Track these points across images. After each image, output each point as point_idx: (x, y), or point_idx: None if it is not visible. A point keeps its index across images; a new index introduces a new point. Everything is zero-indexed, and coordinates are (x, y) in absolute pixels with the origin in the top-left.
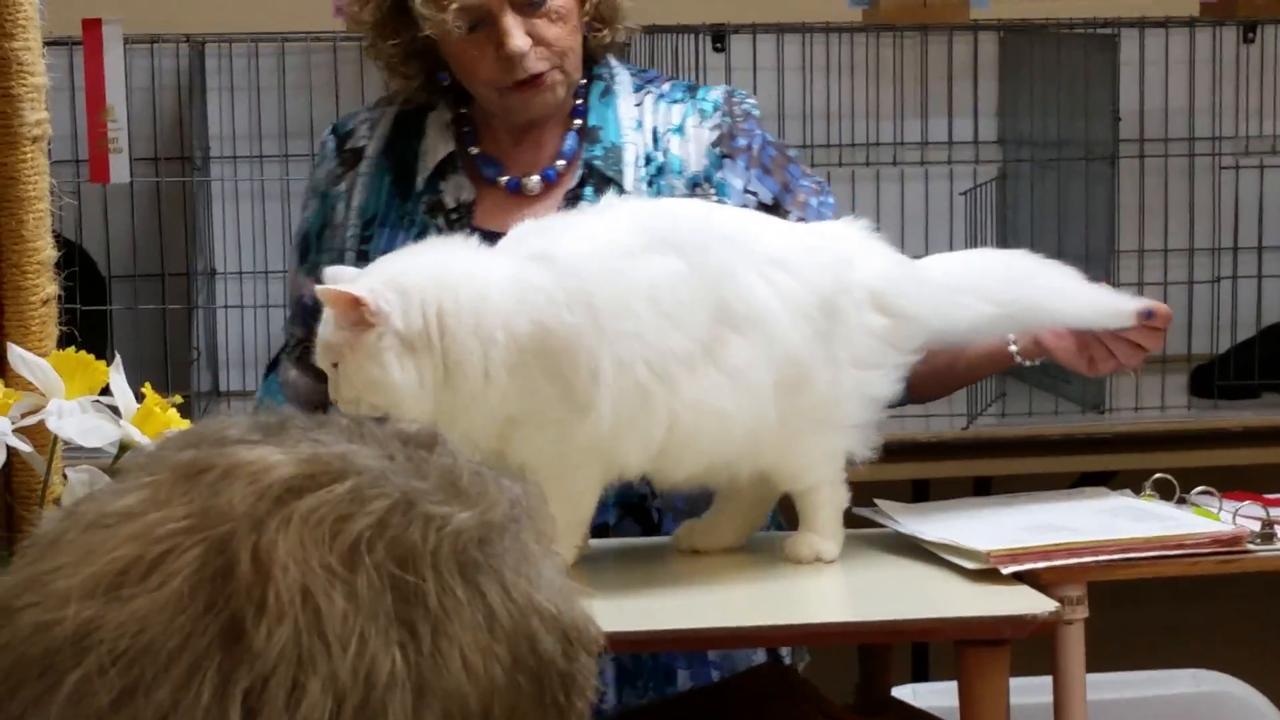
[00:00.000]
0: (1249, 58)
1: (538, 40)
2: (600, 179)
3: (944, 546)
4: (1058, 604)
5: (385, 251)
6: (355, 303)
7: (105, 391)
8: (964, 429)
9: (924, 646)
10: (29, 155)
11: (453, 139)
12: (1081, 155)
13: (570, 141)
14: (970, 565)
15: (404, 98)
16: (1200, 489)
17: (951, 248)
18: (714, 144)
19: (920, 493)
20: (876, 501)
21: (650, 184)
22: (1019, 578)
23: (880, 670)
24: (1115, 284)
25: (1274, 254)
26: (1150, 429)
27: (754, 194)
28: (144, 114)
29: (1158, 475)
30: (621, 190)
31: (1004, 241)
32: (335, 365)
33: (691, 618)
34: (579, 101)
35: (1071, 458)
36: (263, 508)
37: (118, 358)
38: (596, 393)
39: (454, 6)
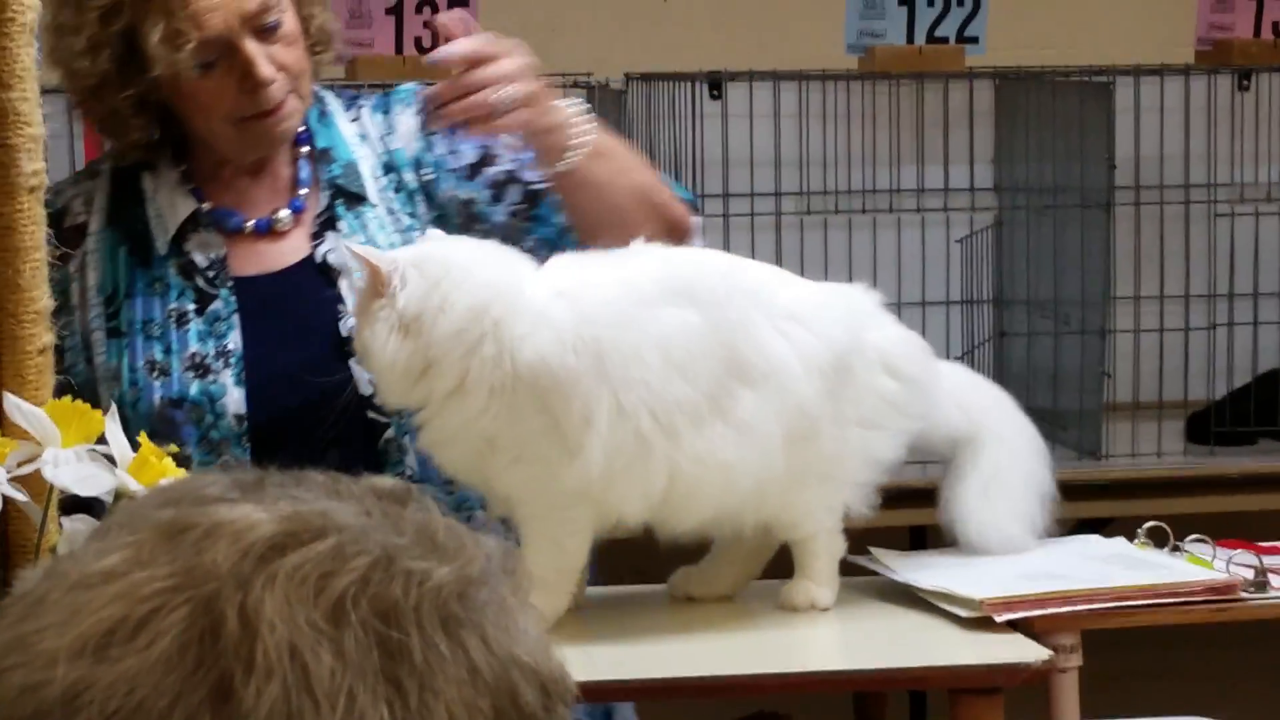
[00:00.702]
0: (1244, 105)
1: (278, 66)
2: (347, 196)
3: (938, 594)
4: (1051, 652)
5: (140, 323)
6: (376, 271)
7: (101, 440)
8: None
9: (922, 694)
10: (26, 205)
11: (190, 197)
12: (1077, 202)
13: (305, 169)
14: (964, 613)
15: (113, 163)
16: (1194, 537)
17: (948, 295)
18: (421, 126)
19: (917, 539)
20: (871, 549)
21: (397, 191)
22: (1013, 625)
23: (875, 718)
24: (1112, 330)
25: (1269, 300)
26: (1147, 475)
27: (457, 155)
28: None
29: (1151, 523)
30: (372, 205)
31: (1000, 289)
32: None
33: (687, 666)
34: (300, 129)
35: (1068, 504)
36: (247, 566)
37: (113, 407)
38: (588, 438)
39: (191, 44)
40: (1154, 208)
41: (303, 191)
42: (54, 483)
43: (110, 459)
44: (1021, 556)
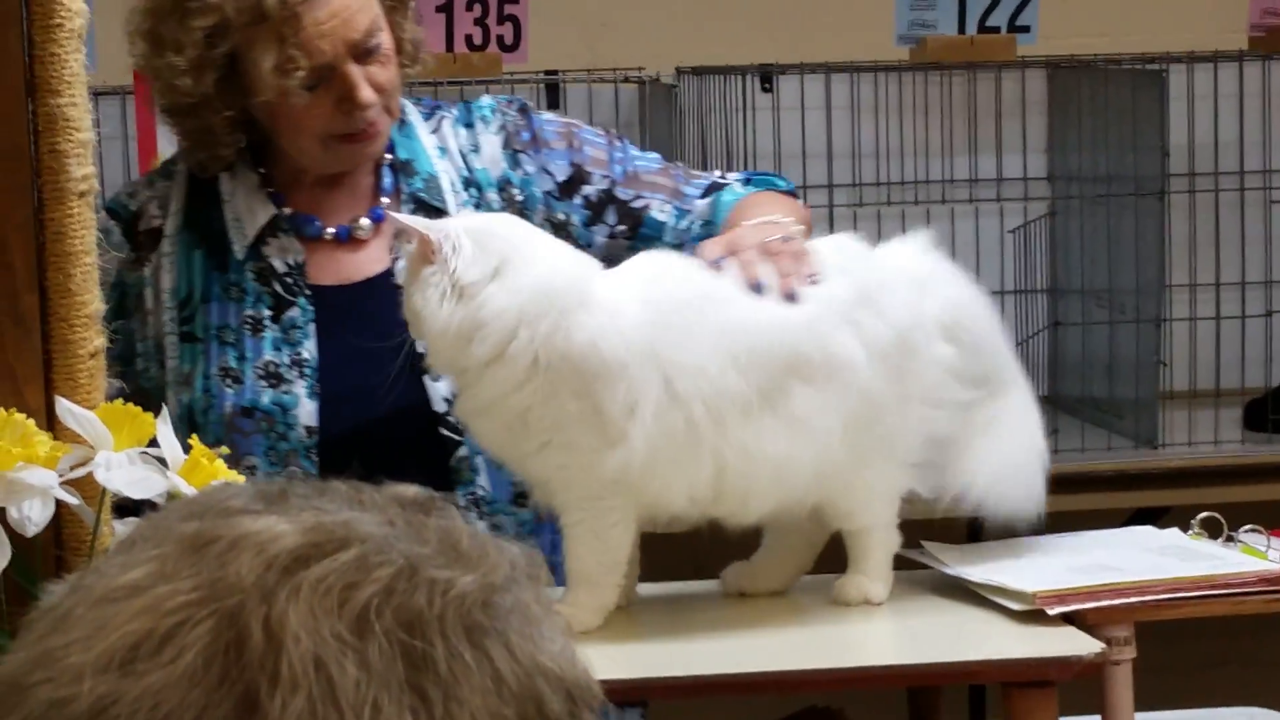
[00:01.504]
0: None
1: (375, 87)
2: (427, 209)
3: (990, 588)
4: (1104, 644)
5: (215, 328)
6: (424, 239)
7: (153, 443)
8: None
9: (980, 687)
10: (76, 210)
11: (270, 202)
12: (1131, 190)
13: (388, 178)
14: (1016, 606)
15: (195, 166)
16: (1248, 527)
17: (1003, 285)
18: (504, 145)
19: (974, 531)
20: (923, 543)
21: (478, 207)
22: (1066, 618)
23: (930, 712)
24: (1167, 319)
25: None
26: (1204, 464)
27: (550, 174)
28: None
29: (1205, 514)
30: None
31: (1055, 278)
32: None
33: (739, 662)
34: None
35: (1125, 493)
36: (271, 578)
37: (164, 409)
38: (632, 425)
39: (302, 72)
40: (1208, 195)
41: (384, 200)
42: (106, 486)
43: (162, 461)
44: (1074, 549)
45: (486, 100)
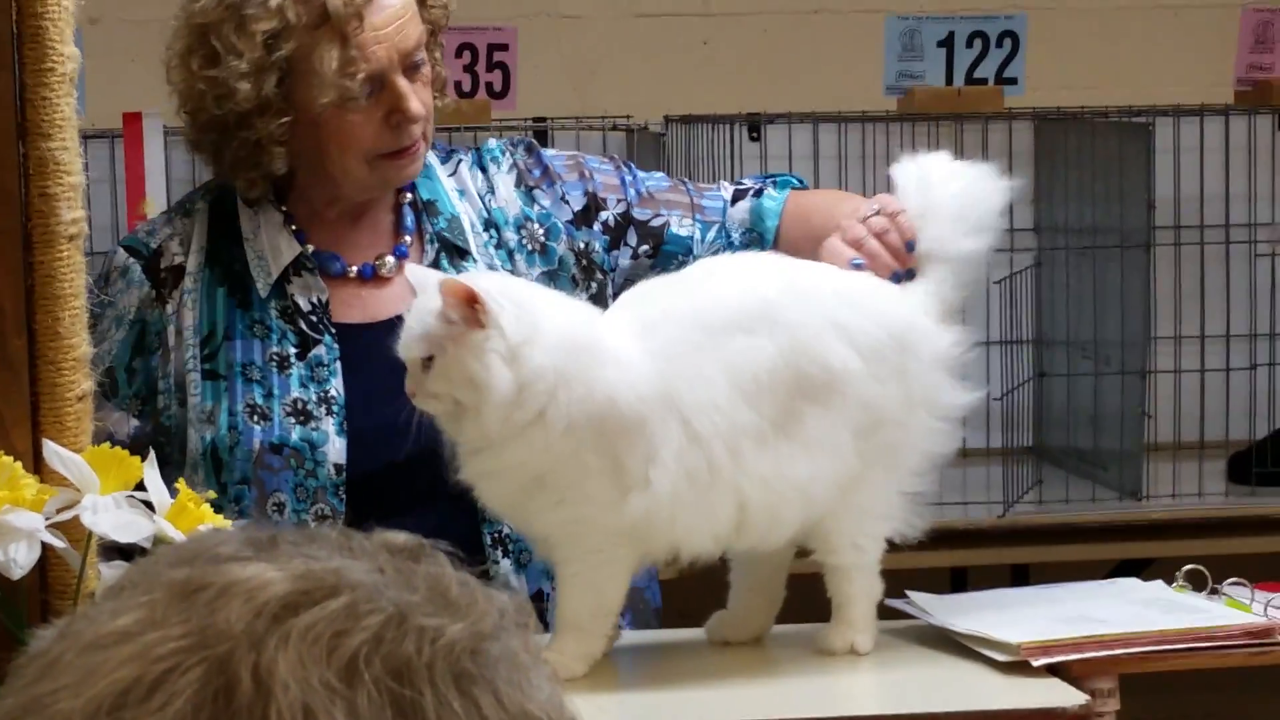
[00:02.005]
0: None
1: (422, 113)
2: (451, 250)
3: (975, 638)
4: (1089, 696)
5: (240, 365)
6: (471, 298)
7: (140, 487)
8: (1000, 516)
9: None
10: (65, 253)
11: (294, 240)
12: (1117, 242)
13: (409, 217)
14: (1001, 657)
15: (212, 199)
16: (1232, 580)
17: (988, 336)
18: (517, 184)
19: (958, 580)
20: (908, 593)
21: (498, 248)
22: (1050, 670)
23: None
24: (1152, 370)
25: None
26: (1188, 516)
27: (568, 204)
28: None
29: (1189, 566)
30: (474, 260)
31: (1040, 329)
32: (425, 359)
33: (722, 712)
34: None
35: (1109, 545)
36: (261, 625)
37: (151, 453)
38: (654, 471)
39: (361, 75)
40: (1194, 248)
41: (406, 239)
42: (93, 529)
43: (149, 505)
44: (1059, 600)
45: (494, 142)
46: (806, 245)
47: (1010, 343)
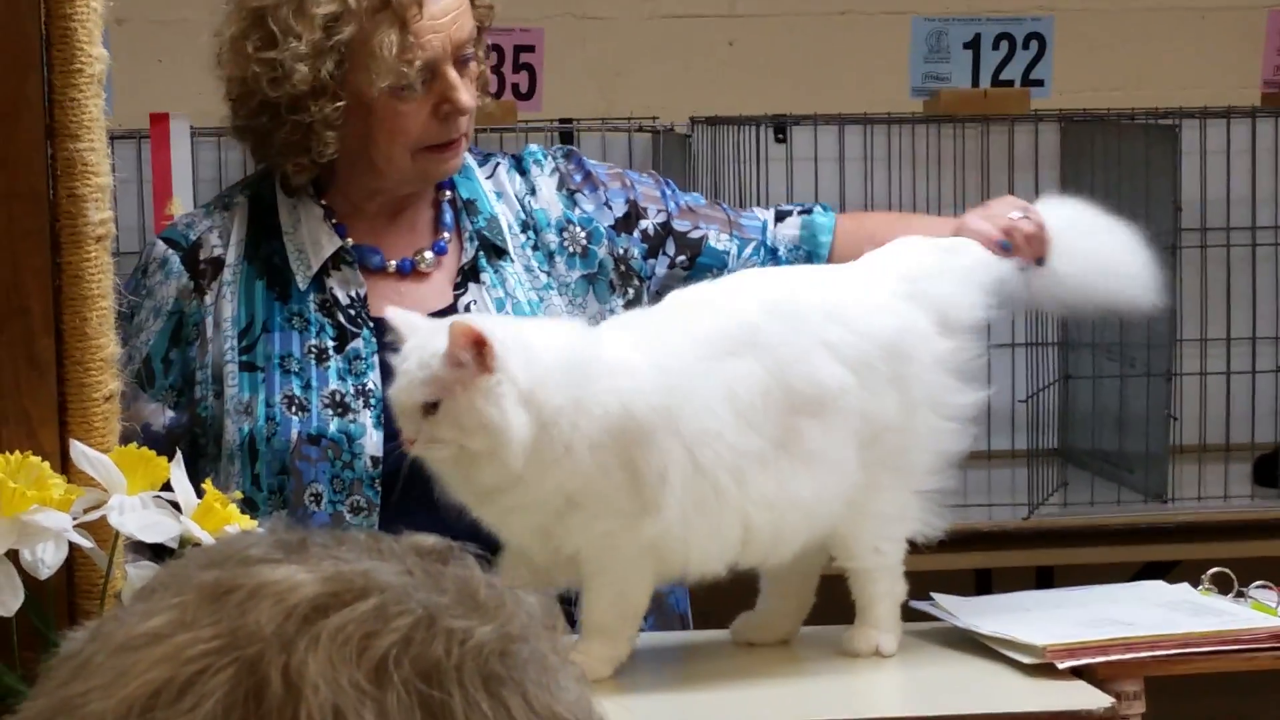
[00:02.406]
0: None
1: (471, 105)
2: (490, 249)
3: (1001, 641)
4: (1114, 699)
5: (278, 357)
6: (480, 342)
7: (166, 487)
8: (1025, 519)
9: None
10: (93, 254)
11: (335, 234)
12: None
13: (448, 214)
14: (1027, 660)
15: (251, 194)
16: (1258, 583)
17: (1013, 338)
18: (559, 187)
19: (983, 583)
20: (934, 595)
21: (535, 249)
22: (1076, 672)
23: None
24: (1178, 373)
25: None
26: (1213, 519)
27: (610, 209)
28: None
29: (1215, 569)
30: (510, 259)
31: (1066, 332)
32: (429, 404)
33: (747, 713)
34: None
35: (1134, 547)
36: (291, 627)
37: (178, 453)
38: (664, 495)
39: (419, 62)
40: (1220, 250)
41: (445, 235)
42: (119, 529)
43: (175, 505)
44: (1085, 602)
45: (535, 147)
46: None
47: (1036, 345)
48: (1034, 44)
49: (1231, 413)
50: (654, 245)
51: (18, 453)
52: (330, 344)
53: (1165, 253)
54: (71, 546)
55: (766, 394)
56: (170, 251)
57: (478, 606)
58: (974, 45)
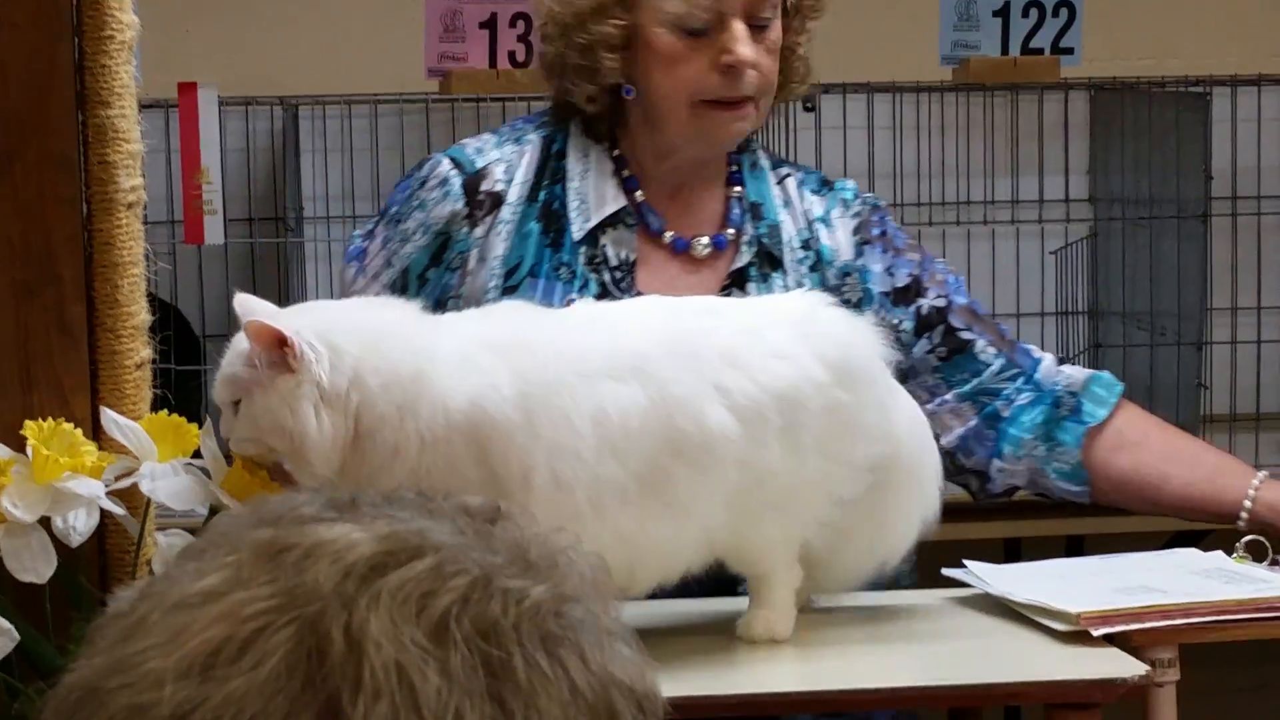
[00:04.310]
0: None
1: (753, 62)
2: (766, 258)
3: (1034, 608)
4: (1149, 667)
5: (539, 303)
6: (280, 342)
7: (197, 454)
8: None
9: (1015, 709)
10: (124, 221)
11: (621, 192)
12: (1173, 213)
13: (736, 210)
14: (1060, 627)
15: (545, 134)
16: None
17: (1043, 307)
18: (854, 231)
19: (1012, 551)
20: (966, 562)
21: (812, 270)
22: (1110, 640)
23: None
24: (1208, 342)
25: None
26: None
27: (892, 276)
28: (238, 176)
29: (1250, 537)
30: (784, 272)
31: (1095, 300)
32: (235, 403)
33: (778, 682)
34: (733, 169)
35: (1165, 516)
36: (350, 586)
37: (208, 422)
38: (530, 500)
39: (707, 1)
40: (1251, 218)
41: (729, 231)
42: (151, 496)
43: (206, 472)
44: (1119, 570)
45: (852, 184)
46: (1126, 466)
47: (1065, 314)
48: (1064, 11)
49: (1262, 382)
50: (923, 326)
51: (50, 420)
52: (592, 300)
53: (1196, 221)
54: (103, 514)
55: (643, 427)
56: (453, 172)
57: (529, 566)
58: (1003, 13)
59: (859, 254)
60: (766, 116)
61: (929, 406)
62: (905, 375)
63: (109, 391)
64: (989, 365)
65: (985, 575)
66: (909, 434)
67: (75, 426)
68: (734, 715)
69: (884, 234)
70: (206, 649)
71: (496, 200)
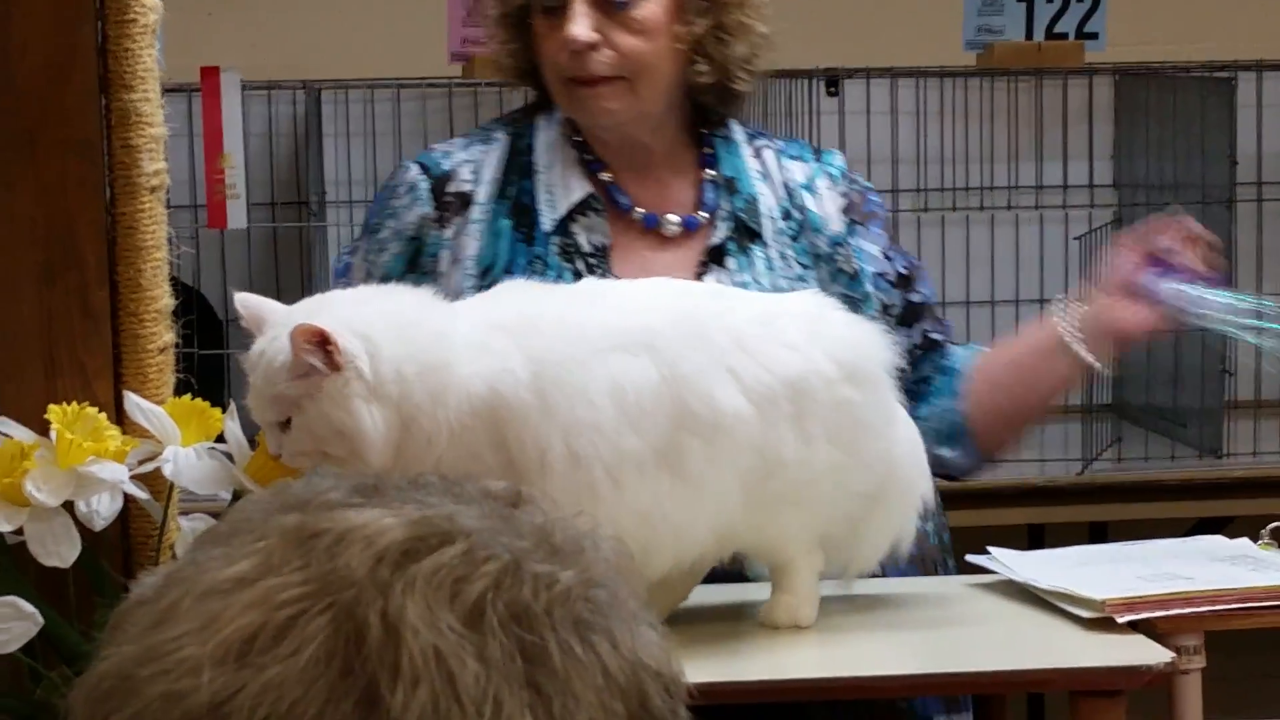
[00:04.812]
0: None
1: (608, 42)
2: (745, 232)
3: (1059, 595)
4: (1174, 654)
5: None
6: (325, 340)
7: (220, 439)
8: (1079, 474)
9: (1039, 696)
10: (147, 205)
11: (587, 179)
12: (1198, 199)
13: (710, 193)
14: (1086, 614)
15: (513, 131)
16: None
17: (1066, 293)
18: (844, 210)
19: (1035, 538)
20: (990, 549)
21: (795, 239)
22: (1135, 627)
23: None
24: None
25: None
26: (1268, 474)
27: (890, 260)
28: (261, 160)
29: (1275, 524)
30: (764, 244)
31: None
32: (283, 421)
33: (806, 667)
34: (707, 151)
35: (1188, 503)
36: (384, 572)
37: (232, 405)
38: (546, 485)
39: None
40: (1276, 204)
41: (702, 215)
42: (174, 481)
43: (229, 456)
44: (1143, 557)
45: (839, 160)
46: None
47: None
48: None
49: None
50: (911, 317)
51: (74, 404)
52: None
53: (1221, 207)
54: (126, 498)
55: (656, 399)
56: (420, 177)
57: (555, 551)
58: None
59: (851, 232)
60: (670, 96)
61: None
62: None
63: (132, 376)
64: (958, 369)
65: (1009, 562)
66: (906, 453)
67: (99, 411)
68: (755, 701)
69: (874, 215)
70: (241, 635)
71: (465, 201)
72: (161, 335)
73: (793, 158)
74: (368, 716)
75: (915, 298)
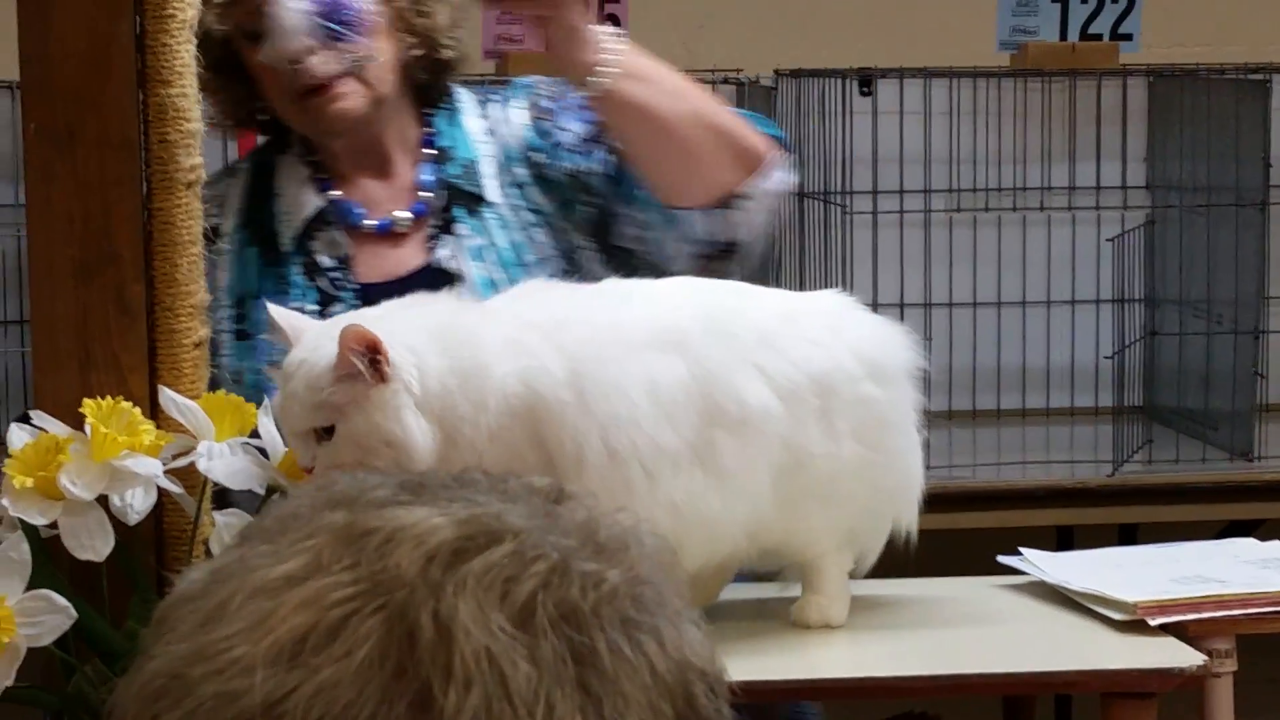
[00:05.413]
0: None
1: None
2: (465, 196)
3: (1091, 596)
4: (1206, 657)
5: (265, 324)
6: (375, 348)
7: (255, 434)
8: (1109, 475)
9: (1067, 698)
10: (184, 200)
11: (316, 194)
12: (1232, 201)
13: (426, 172)
14: (1117, 616)
15: (258, 159)
16: None
17: (1099, 294)
18: (528, 109)
19: (1065, 539)
20: (1022, 550)
21: (514, 185)
22: (1166, 629)
23: None
24: (1265, 330)
25: None
26: None
27: (567, 130)
28: None
29: None
30: (488, 203)
31: (1152, 288)
32: (322, 430)
33: (835, 667)
34: (428, 130)
35: (1219, 505)
36: (435, 571)
37: (266, 401)
38: (582, 477)
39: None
40: None
41: (426, 195)
42: (208, 475)
43: (263, 452)
44: (1175, 559)
45: (531, 77)
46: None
47: (1121, 301)
48: None
49: None
50: (609, 171)
51: (108, 398)
52: (313, 308)
53: (1255, 210)
54: (160, 493)
55: (687, 395)
56: None
57: (601, 549)
58: None
59: (538, 132)
60: (395, 76)
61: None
62: (606, 219)
63: (167, 370)
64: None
65: (1041, 563)
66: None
67: (133, 405)
68: (785, 701)
69: (557, 97)
70: (294, 636)
71: (210, 235)
72: (196, 330)
73: (502, 102)
74: (420, 719)
75: (613, 151)
